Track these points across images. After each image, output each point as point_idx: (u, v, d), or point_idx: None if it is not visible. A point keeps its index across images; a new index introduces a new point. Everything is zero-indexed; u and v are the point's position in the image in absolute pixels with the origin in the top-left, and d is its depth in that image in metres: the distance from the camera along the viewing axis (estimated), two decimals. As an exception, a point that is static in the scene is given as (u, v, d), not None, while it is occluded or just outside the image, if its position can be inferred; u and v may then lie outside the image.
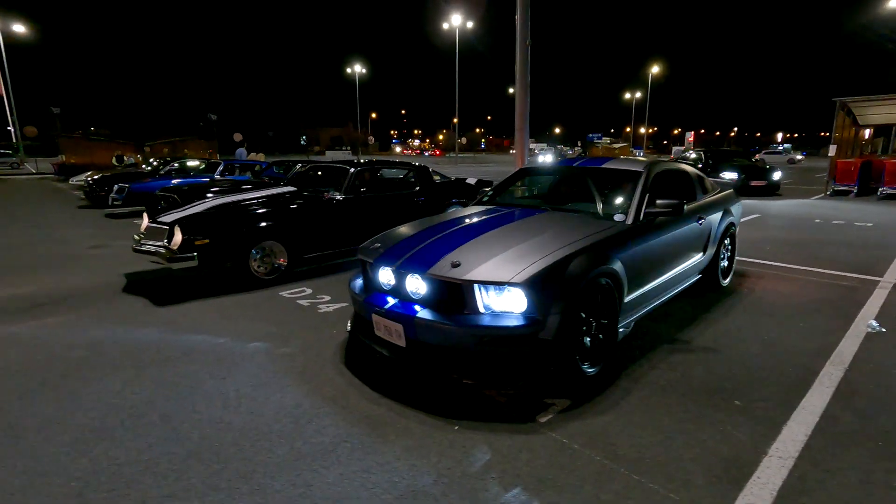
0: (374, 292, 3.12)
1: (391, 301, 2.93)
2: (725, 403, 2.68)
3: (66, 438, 2.38)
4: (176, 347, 3.47)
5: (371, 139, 68.26)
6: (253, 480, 2.07)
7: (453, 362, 2.70)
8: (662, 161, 4.30)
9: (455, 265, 2.74)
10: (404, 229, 3.56)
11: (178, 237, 4.65)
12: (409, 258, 2.96)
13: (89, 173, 14.10)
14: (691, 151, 20.59)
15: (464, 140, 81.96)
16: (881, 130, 19.49)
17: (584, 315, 2.82)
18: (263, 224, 5.01)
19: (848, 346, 3.42)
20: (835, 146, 14.19)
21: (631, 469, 2.13)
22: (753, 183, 13.86)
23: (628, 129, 75.67)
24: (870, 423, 2.48)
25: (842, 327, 3.77)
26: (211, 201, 5.43)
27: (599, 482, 2.05)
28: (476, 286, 2.64)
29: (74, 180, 15.57)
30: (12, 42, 29.02)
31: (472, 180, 8.10)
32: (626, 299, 3.17)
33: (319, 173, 6.77)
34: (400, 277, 2.94)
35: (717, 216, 4.55)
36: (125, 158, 20.40)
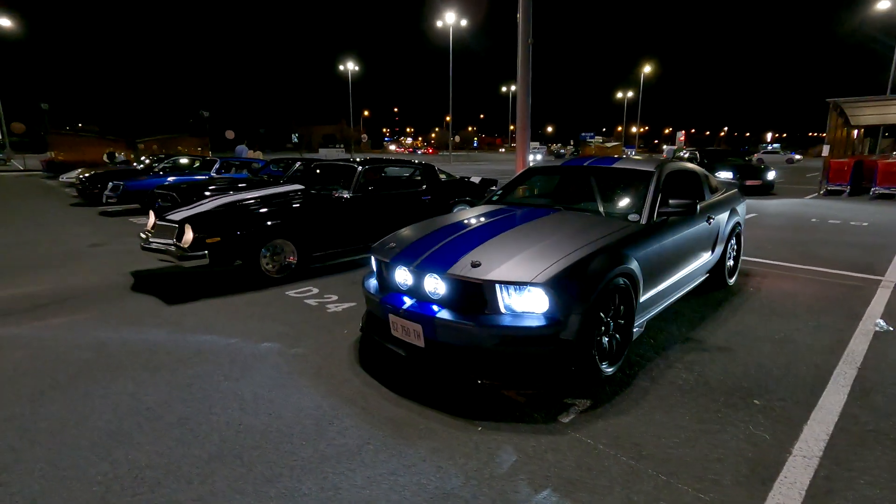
0: (389, 292, 3.10)
1: (408, 301, 2.91)
2: (744, 403, 2.69)
3: (84, 442, 2.34)
4: (186, 348, 3.42)
5: (364, 137, 68.04)
6: (280, 484, 2.04)
7: (473, 363, 2.69)
8: (672, 160, 4.31)
9: (475, 265, 2.73)
10: (418, 228, 3.53)
11: (188, 235, 4.60)
12: (427, 258, 2.93)
13: (80, 170, 13.90)
14: (684, 151, 20.73)
15: (457, 138, 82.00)
16: (869, 131, 19.79)
17: (602, 315, 2.82)
18: (274, 222, 4.97)
19: (858, 345, 3.45)
20: (828, 146, 14.36)
21: (658, 470, 2.13)
22: (748, 182, 14.01)
23: (620, 129, 76.01)
24: (888, 422, 2.50)
25: (850, 326, 3.81)
26: (216, 199, 5.37)
27: (629, 483, 2.05)
28: (497, 286, 2.63)
29: (65, 177, 15.34)
30: (-1, 37, 28.55)
31: (476, 179, 8.09)
32: (641, 299, 3.18)
33: (319, 171, 6.72)
34: (418, 277, 2.92)
35: (724, 215, 4.57)
36: (117, 155, 20.16)
